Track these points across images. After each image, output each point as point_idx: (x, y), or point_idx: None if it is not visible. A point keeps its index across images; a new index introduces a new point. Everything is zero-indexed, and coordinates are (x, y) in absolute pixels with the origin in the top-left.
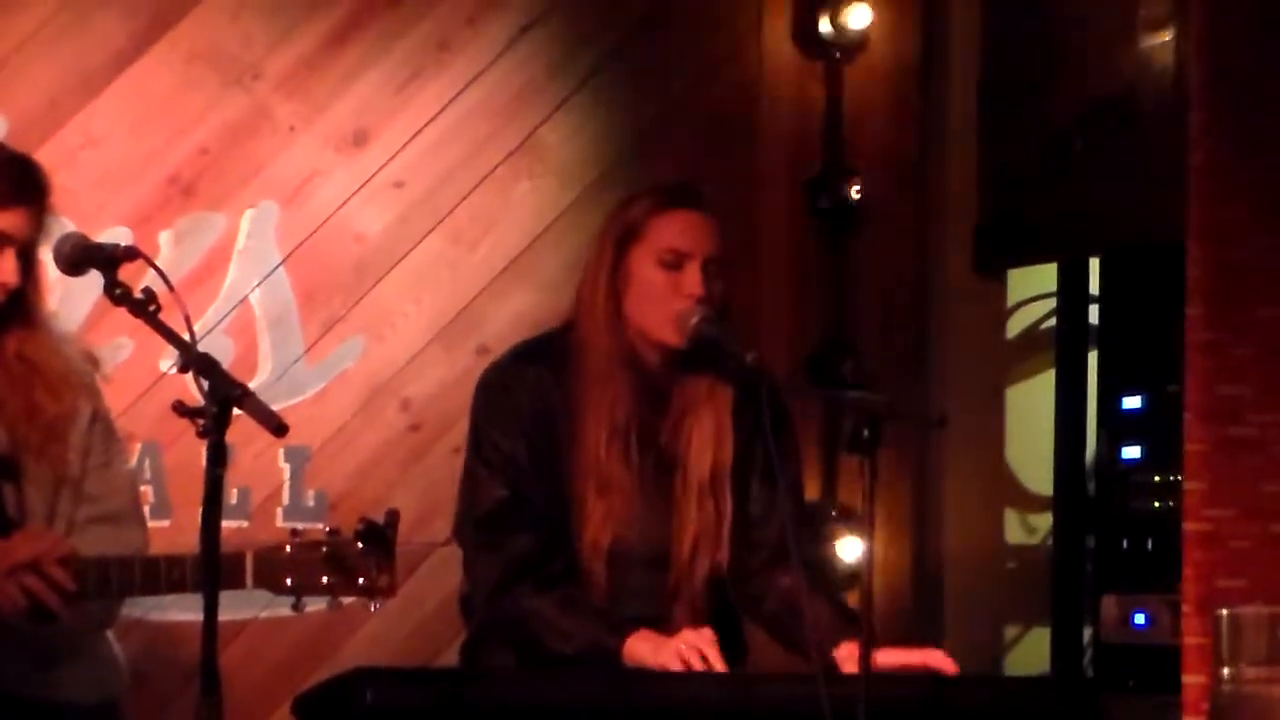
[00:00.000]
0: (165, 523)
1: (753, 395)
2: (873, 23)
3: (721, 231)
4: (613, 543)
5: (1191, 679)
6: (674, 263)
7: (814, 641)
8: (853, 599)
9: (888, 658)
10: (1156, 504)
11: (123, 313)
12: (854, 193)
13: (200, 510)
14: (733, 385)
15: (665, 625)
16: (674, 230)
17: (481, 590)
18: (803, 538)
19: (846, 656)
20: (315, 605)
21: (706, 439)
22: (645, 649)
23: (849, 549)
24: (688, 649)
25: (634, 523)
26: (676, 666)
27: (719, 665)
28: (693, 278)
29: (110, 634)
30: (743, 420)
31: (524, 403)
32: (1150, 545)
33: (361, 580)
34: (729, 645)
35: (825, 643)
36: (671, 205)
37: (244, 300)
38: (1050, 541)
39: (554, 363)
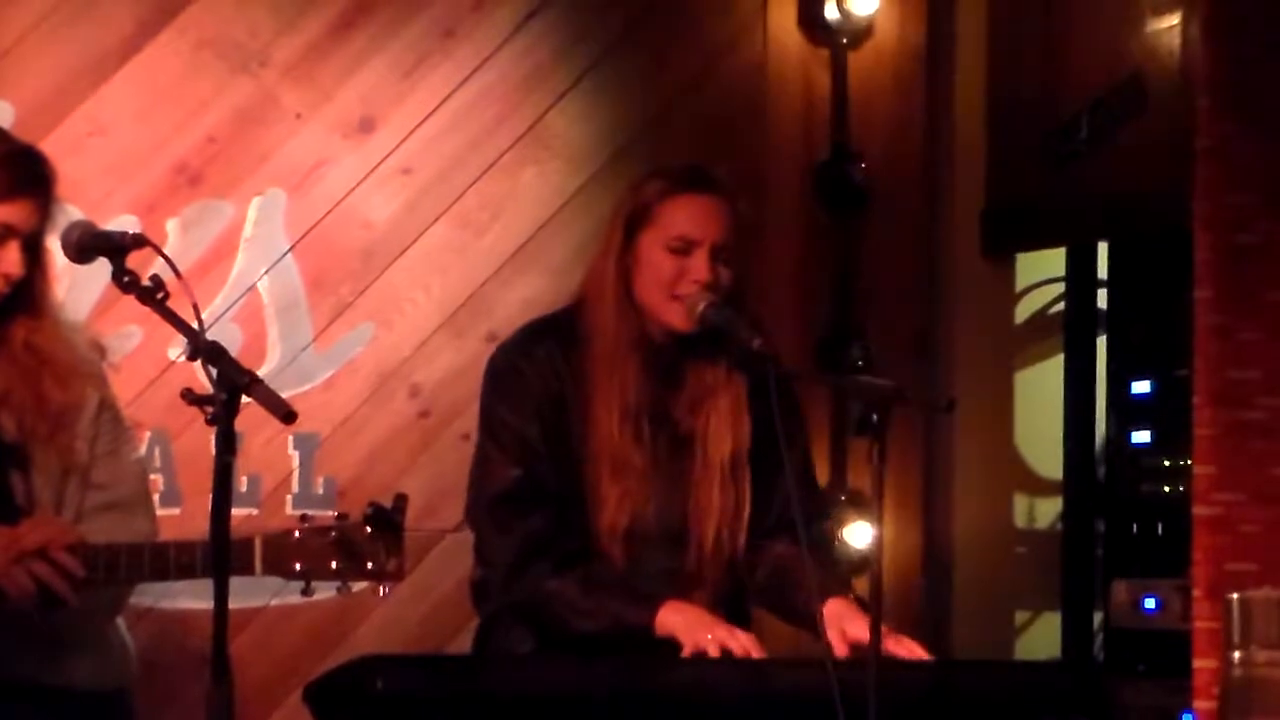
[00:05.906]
0: (175, 511)
1: (761, 379)
2: (879, 7)
3: (736, 213)
4: (629, 524)
5: (1202, 663)
6: (682, 249)
7: (803, 600)
8: (862, 585)
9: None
10: (1166, 488)
11: (131, 301)
12: (861, 178)
13: (210, 498)
14: (742, 371)
15: None
16: (683, 216)
17: (498, 571)
18: (811, 511)
19: (831, 614)
20: (325, 591)
21: (724, 423)
22: (678, 622)
23: (859, 534)
24: (719, 640)
25: (650, 502)
26: (713, 652)
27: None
28: (699, 264)
29: (120, 622)
30: (757, 403)
31: (534, 383)
32: (1160, 530)
33: (370, 565)
34: (737, 622)
35: (812, 601)
36: (683, 190)
37: (252, 288)
38: (1060, 526)
39: (563, 340)
